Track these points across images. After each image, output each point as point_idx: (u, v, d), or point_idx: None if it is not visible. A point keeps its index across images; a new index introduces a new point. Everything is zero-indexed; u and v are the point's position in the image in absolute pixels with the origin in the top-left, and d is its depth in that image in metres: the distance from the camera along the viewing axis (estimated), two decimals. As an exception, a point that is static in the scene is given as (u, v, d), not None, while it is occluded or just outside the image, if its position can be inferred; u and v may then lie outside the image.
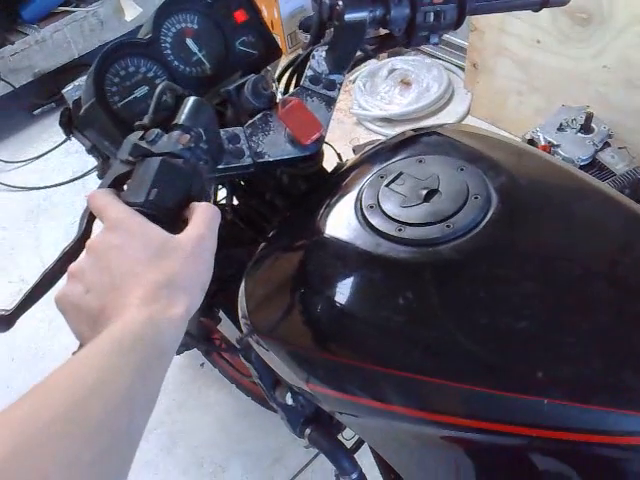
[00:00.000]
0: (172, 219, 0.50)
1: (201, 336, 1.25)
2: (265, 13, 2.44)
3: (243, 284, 0.71)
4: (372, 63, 2.26)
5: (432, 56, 2.32)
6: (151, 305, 0.41)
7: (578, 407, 0.48)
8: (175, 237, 0.46)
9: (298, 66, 0.72)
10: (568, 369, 0.50)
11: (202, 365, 1.57)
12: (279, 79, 0.74)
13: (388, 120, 2.12)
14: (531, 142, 1.61)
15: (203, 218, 0.49)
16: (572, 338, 0.51)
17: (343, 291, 0.61)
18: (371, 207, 0.63)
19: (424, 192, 0.62)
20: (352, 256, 0.62)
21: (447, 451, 0.57)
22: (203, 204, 0.51)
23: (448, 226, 0.58)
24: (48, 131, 2.41)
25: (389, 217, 0.61)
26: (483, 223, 0.58)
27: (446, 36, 2.18)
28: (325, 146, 0.73)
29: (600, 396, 0.48)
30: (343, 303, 0.60)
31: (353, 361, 0.59)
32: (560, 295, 0.54)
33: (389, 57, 2.31)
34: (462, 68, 2.18)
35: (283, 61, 0.77)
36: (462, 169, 0.63)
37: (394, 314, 0.57)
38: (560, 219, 0.60)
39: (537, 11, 0.71)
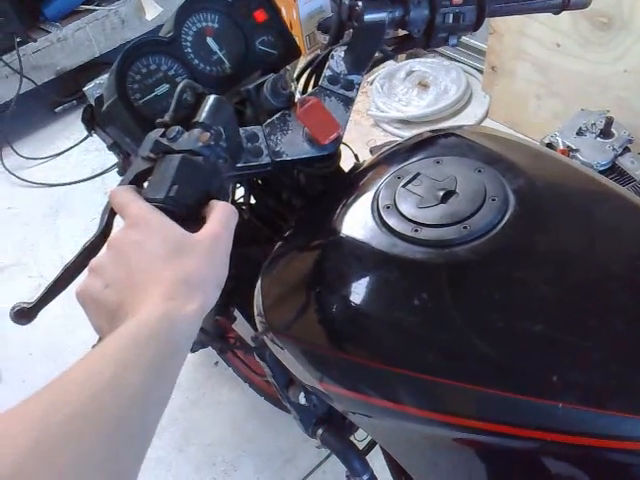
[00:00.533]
0: (191, 216, 0.51)
1: (216, 334, 1.26)
2: (284, 14, 2.45)
3: (259, 282, 0.71)
4: (390, 65, 2.26)
5: (450, 58, 2.31)
6: (167, 302, 0.42)
7: (593, 412, 0.48)
8: (192, 235, 0.47)
9: (317, 66, 0.72)
10: (584, 373, 0.50)
11: (216, 364, 1.58)
12: (298, 79, 0.74)
13: (405, 122, 2.12)
14: (550, 146, 1.59)
15: (220, 217, 0.49)
16: (588, 342, 0.51)
17: (358, 291, 0.61)
18: (388, 207, 0.63)
19: (441, 193, 0.62)
20: (368, 256, 0.62)
21: (459, 453, 0.57)
22: (221, 203, 0.51)
23: (465, 227, 0.58)
24: (69, 129, 2.44)
25: (405, 218, 0.61)
26: (500, 225, 0.58)
27: (465, 39, 2.17)
28: (342, 147, 0.74)
29: (616, 401, 0.48)
30: (358, 303, 0.60)
31: (367, 361, 0.59)
32: (577, 299, 0.54)
33: (407, 59, 2.30)
34: (480, 71, 2.17)
35: (302, 61, 0.77)
36: (480, 171, 0.63)
37: (409, 315, 0.57)
38: (578, 222, 0.60)
39: (557, 14, 0.70)
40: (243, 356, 1.40)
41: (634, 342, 0.51)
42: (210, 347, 1.37)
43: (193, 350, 1.32)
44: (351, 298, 0.60)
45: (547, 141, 1.61)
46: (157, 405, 0.39)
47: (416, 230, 0.60)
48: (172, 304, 0.42)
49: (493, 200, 0.59)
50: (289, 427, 1.30)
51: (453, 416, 0.54)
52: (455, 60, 2.30)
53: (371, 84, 2.25)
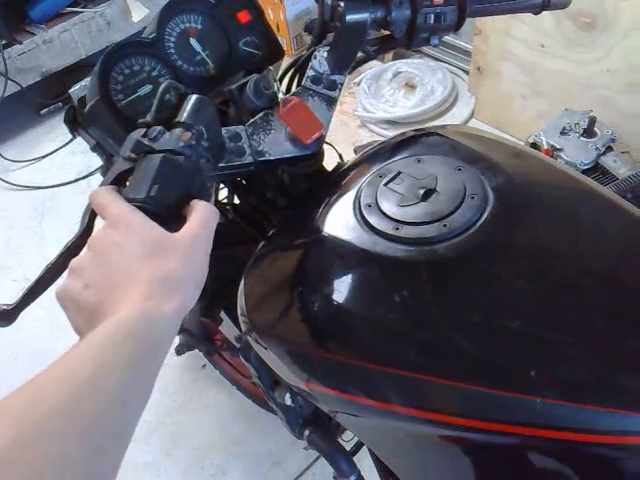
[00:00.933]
0: (172, 216, 0.51)
1: (202, 336, 1.26)
2: (271, 16, 2.45)
3: (242, 282, 0.72)
4: (377, 66, 2.27)
5: (437, 59, 2.32)
6: (145, 301, 0.42)
7: (572, 406, 0.49)
8: (172, 235, 0.47)
9: (300, 66, 0.72)
10: (562, 369, 0.50)
11: (203, 367, 1.57)
12: (281, 79, 0.75)
13: (392, 123, 2.13)
14: (534, 146, 1.61)
15: (200, 217, 0.50)
16: (566, 338, 0.52)
17: (341, 289, 0.61)
18: (369, 206, 0.64)
19: (422, 191, 0.62)
20: (350, 254, 0.63)
21: (443, 451, 0.57)
22: (202, 203, 0.51)
23: (445, 225, 0.59)
24: (54, 131, 2.43)
25: (387, 216, 0.62)
26: (479, 223, 0.59)
27: (450, 39, 2.18)
28: (327, 147, 0.74)
29: (594, 396, 0.49)
30: (341, 301, 0.60)
31: (350, 359, 0.59)
32: (555, 295, 0.55)
33: (394, 60, 2.31)
34: (466, 71, 2.18)
35: (286, 62, 0.78)
36: (460, 169, 0.64)
37: (391, 312, 0.57)
38: (556, 220, 0.61)
39: (537, 14, 0.71)
40: (230, 358, 1.40)
41: (611, 337, 0.52)
42: (197, 350, 1.37)
43: (179, 353, 1.32)
44: (334, 297, 0.61)
45: (532, 141, 1.62)
46: (135, 403, 0.39)
47: (397, 228, 0.61)
48: (150, 303, 0.42)
49: (472, 198, 0.60)
50: (277, 429, 1.29)
51: (435, 413, 0.54)
52: (441, 61, 2.31)
53: (358, 85, 2.26)
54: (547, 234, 0.59)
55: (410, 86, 2.20)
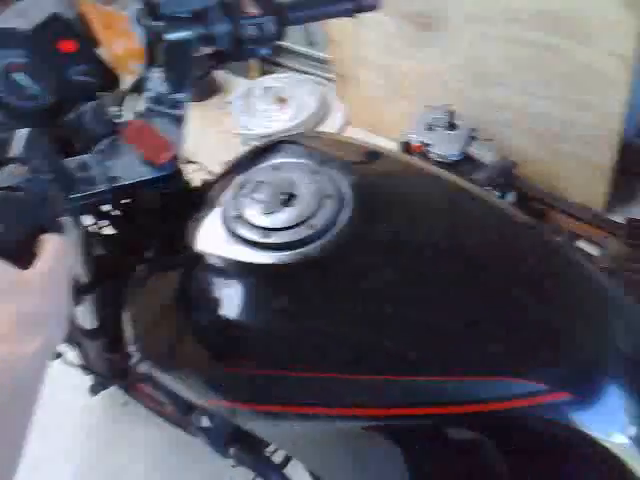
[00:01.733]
0: (23, 253, 0.46)
1: (113, 373, 1.17)
2: (127, 45, 2.31)
3: (124, 314, 0.67)
4: (244, 83, 2.23)
5: (303, 72, 2.31)
6: (3, 344, 0.38)
7: (444, 380, 0.49)
8: (23, 273, 0.43)
9: (140, 89, 0.68)
10: (432, 345, 0.51)
11: (125, 404, 1.47)
12: (123, 103, 0.70)
13: (272, 137, 2.10)
14: (407, 144, 1.60)
15: (51, 252, 0.45)
16: (432, 316, 0.52)
17: (222, 303, 0.59)
18: (236, 218, 0.62)
19: (283, 197, 0.62)
20: (225, 268, 0.60)
21: (351, 445, 0.57)
22: (51, 237, 0.47)
23: (309, 226, 0.58)
24: None
25: (254, 225, 0.60)
26: (341, 220, 0.59)
27: (309, 51, 2.19)
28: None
29: (465, 367, 0.50)
30: (225, 314, 0.58)
31: (243, 369, 0.57)
32: (416, 277, 0.56)
33: (260, 76, 2.29)
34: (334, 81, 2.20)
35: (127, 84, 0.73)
36: (315, 172, 0.64)
37: (276, 317, 0.56)
38: (411, 208, 0.62)
39: (352, 17, 0.71)
40: (150, 391, 1.32)
41: (473, 310, 0.53)
42: (116, 387, 1.28)
43: (95, 393, 1.24)
44: (218, 312, 0.59)
45: (404, 140, 1.61)
46: (7, 453, 0.36)
47: (266, 236, 0.59)
48: (7, 347, 0.38)
49: (329, 197, 0.60)
50: (211, 452, 1.24)
51: (331, 407, 0.54)
52: (307, 73, 2.29)
53: (230, 103, 2.21)
54: (405, 221, 0.60)
55: (282, 100, 2.19)
